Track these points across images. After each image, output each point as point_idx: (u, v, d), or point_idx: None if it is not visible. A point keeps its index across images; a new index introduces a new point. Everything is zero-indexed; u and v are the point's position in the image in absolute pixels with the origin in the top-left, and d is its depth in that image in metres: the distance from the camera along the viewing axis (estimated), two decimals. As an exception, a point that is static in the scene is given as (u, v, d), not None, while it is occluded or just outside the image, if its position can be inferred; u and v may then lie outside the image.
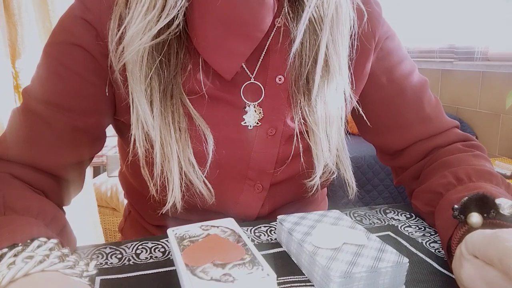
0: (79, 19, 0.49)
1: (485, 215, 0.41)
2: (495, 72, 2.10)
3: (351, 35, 0.55)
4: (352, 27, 0.55)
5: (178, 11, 0.47)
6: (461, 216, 0.42)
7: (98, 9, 0.49)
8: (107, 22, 0.49)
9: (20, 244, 0.35)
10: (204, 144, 0.51)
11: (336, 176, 0.60)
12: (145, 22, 0.46)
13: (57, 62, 0.50)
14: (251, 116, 0.54)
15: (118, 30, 0.48)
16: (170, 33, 0.48)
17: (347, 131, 0.60)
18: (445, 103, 2.43)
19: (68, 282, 0.34)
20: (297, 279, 0.43)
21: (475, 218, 0.41)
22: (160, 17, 0.47)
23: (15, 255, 0.33)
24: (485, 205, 0.42)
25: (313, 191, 0.59)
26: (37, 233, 0.37)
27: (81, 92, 0.51)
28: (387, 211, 0.61)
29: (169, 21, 0.47)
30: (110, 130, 0.59)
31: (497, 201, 0.41)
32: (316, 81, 0.53)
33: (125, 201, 0.75)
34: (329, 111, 0.54)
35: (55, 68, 0.50)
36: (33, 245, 0.35)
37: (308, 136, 0.55)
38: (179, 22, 0.48)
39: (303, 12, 0.52)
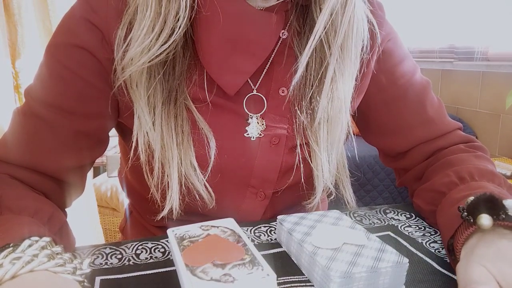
0: (84, 20, 0.48)
1: (494, 217, 0.40)
2: (495, 72, 2.10)
3: (362, 56, 0.54)
4: (364, 47, 0.54)
5: (176, 37, 0.47)
6: (470, 217, 0.42)
7: (104, 11, 0.48)
8: (114, 26, 0.48)
9: (11, 245, 0.35)
10: (206, 148, 0.51)
11: (334, 197, 0.60)
12: (143, 46, 0.46)
13: (60, 64, 0.49)
14: (254, 128, 0.54)
15: (124, 40, 0.48)
16: (168, 53, 0.48)
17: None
18: (445, 103, 2.42)
19: (57, 280, 0.33)
20: (297, 279, 0.43)
21: (486, 220, 0.40)
22: (157, 41, 0.46)
23: (5, 257, 0.33)
24: (494, 206, 0.41)
25: (313, 204, 0.58)
26: (29, 233, 0.37)
27: (84, 96, 0.50)
28: (387, 211, 0.61)
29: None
30: (111, 130, 0.59)
31: (505, 202, 0.41)
32: (322, 106, 0.52)
33: (125, 201, 0.75)
34: (331, 131, 0.54)
35: (58, 70, 0.49)
36: (24, 245, 0.35)
37: (310, 157, 0.55)
38: (177, 43, 0.48)
39: (310, 27, 0.52)
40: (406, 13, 2.65)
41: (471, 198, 0.43)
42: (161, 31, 0.46)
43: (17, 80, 1.36)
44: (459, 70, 2.33)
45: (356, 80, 0.55)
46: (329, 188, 0.57)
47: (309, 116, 0.54)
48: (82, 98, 0.50)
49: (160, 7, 0.46)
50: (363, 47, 0.54)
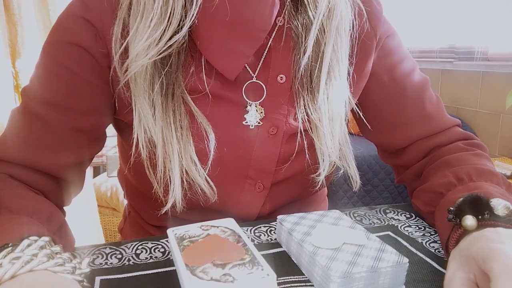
0: (79, 18, 0.49)
1: (479, 217, 0.41)
2: (495, 72, 2.10)
3: (351, 35, 0.56)
4: (351, 28, 0.55)
5: (190, 23, 0.47)
6: (456, 219, 0.42)
7: (98, 8, 0.49)
8: (109, 23, 0.48)
9: (10, 245, 0.35)
10: (205, 141, 0.52)
11: (337, 176, 0.60)
12: (152, 39, 0.46)
13: (56, 62, 0.50)
14: (253, 116, 0.54)
15: (122, 37, 0.48)
16: (177, 45, 0.48)
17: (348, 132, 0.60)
18: (445, 103, 2.42)
19: (56, 280, 0.33)
20: (297, 279, 0.43)
21: (469, 221, 0.41)
22: (166, 31, 0.46)
23: (4, 257, 0.33)
24: (479, 206, 0.41)
25: (314, 190, 0.59)
26: (28, 232, 0.37)
27: (80, 92, 0.50)
28: (387, 211, 0.61)
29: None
30: (110, 130, 0.59)
31: (491, 202, 0.41)
32: (322, 85, 0.53)
33: (125, 201, 0.75)
34: (332, 108, 0.55)
35: (54, 68, 0.50)
36: (23, 245, 0.35)
37: (312, 133, 0.55)
38: (185, 33, 0.48)
39: (305, 10, 0.53)
40: (406, 13, 2.65)
41: (459, 200, 0.43)
42: (170, 23, 0.46)
43: (17, 80, 1.36)
44: (459, 70, 2.33)
45: (351, 58, 0.57)
46: (334, 163, 0.57)
47: (310, 94, 0.54)
48: (78, 95, 0.50)
49: None
50: (351, 26, 0.55)
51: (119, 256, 0.47)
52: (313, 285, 0.41)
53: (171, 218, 0.54)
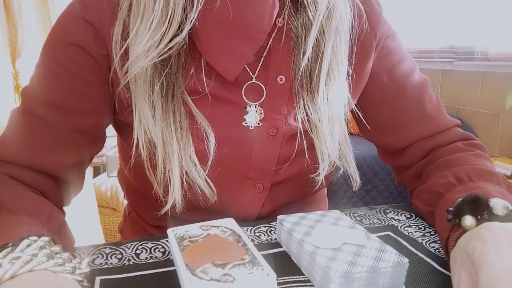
0: (79, 18, 0.49)
1: (478, 217, 0.41)
2: (495, 72, 2.10)
3: (350, 36, 0.56)
4: (350, 29, 0.56)
5: (191, 25, 0.47)
6: (455, 219, 0.42)
7: (98, 8, 0.49)
8: (109, 24, 0.49)
9: (10, 245, 0.35)
10: (205, 142, 0.52)
11: (337, 175, 0.60)
12: (152, 41, 0.46)
13: (55, 62, 0.50)
14: (252, 117, 0.54)
15: (122, 38, 0.48)
16: (177, 47, 0.48)
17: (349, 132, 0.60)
18: (445, 103, 2.42)
19: (56, 280, 0.33)
20: (297, 279, 0.43)
21: (468, 221, 0.41)
22: (167, 34, 0.46)
23: (4, 257, 0.33)
24: (478, 206, 0.41)
25: (314, 190, 0.59)
26: (27, 232, 0.37)
27: (80, 93, 0.50)
28: (387, 211, 0.61)
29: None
30: (110, 130, 0.59)
31: (490, 202, 0.41)
32: (321, 85, 0.54)
33: (125, 201, 0.75)
34: (331, 108, 0.55)
35: (53, 68, 0.50)
36: (22, 245, 0.35)
37: (312, 133, 0.56)
38: (185, 35, 0.48)
39: (305, 11, 0.53)
40: (406, 13, 2.65)
41: (459, 200, 0.43)
42: (170, 25, 0.46)
43: (17, 80, 1.36)
44: (459, 70, 2.33)
45: (350, 59, 0.57)
46: (333, 163, 0.57)
47: (310, 94, 0.54)
48: (77, 95, 0.50)
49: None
50: (351, 27, 0.55)
51: (119, 256, 0.47)
52: (313, 285, 0.41)
53: (171, 219, 0.54)
